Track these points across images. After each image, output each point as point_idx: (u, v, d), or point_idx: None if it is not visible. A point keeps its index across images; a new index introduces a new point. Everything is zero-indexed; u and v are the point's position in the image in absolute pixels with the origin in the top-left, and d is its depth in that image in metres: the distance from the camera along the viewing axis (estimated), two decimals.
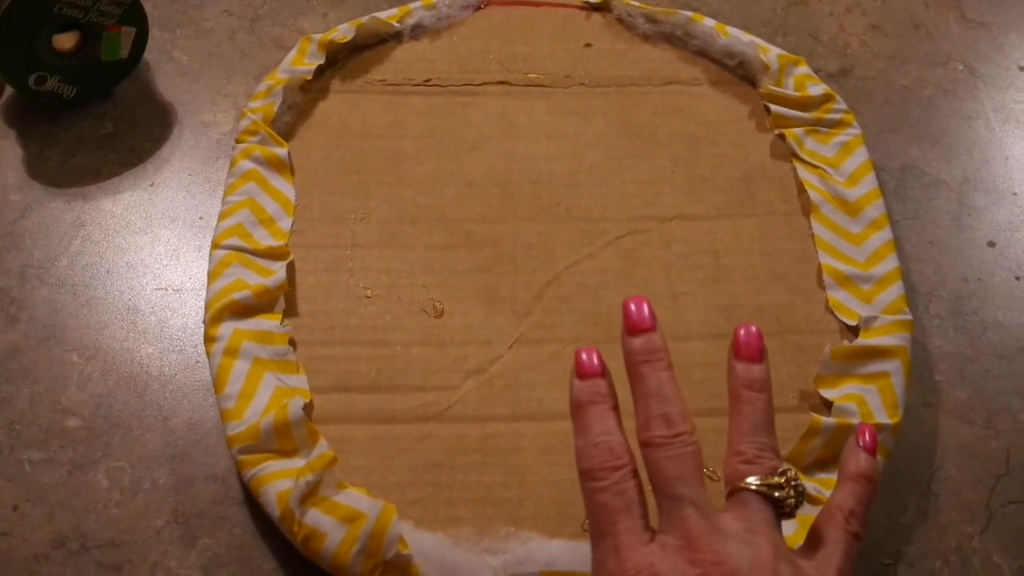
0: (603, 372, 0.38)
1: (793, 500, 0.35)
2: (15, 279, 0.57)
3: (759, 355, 0.38)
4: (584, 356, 0.38)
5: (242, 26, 0.70)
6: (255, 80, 0.67)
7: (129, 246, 0.59)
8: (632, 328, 0.37)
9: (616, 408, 0.37)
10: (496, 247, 0.57)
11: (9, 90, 0.65)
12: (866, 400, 0.50)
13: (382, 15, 0.66)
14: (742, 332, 0.38)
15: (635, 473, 0.36)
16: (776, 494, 0.35)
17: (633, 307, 0.38)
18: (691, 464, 0.35)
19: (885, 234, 0.57)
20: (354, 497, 0.46)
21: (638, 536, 0.34)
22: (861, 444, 0.39)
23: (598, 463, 0.36)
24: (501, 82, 0.65)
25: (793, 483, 0.35)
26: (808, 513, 0.46)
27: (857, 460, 0.38)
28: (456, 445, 0.50)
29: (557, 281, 0.56)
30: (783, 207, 0.60)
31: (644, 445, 0.36)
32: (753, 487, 0.35)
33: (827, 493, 0.47)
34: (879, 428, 0.49)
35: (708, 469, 0.49)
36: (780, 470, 0.36)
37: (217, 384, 0.50)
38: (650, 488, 0.36)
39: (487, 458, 0.50)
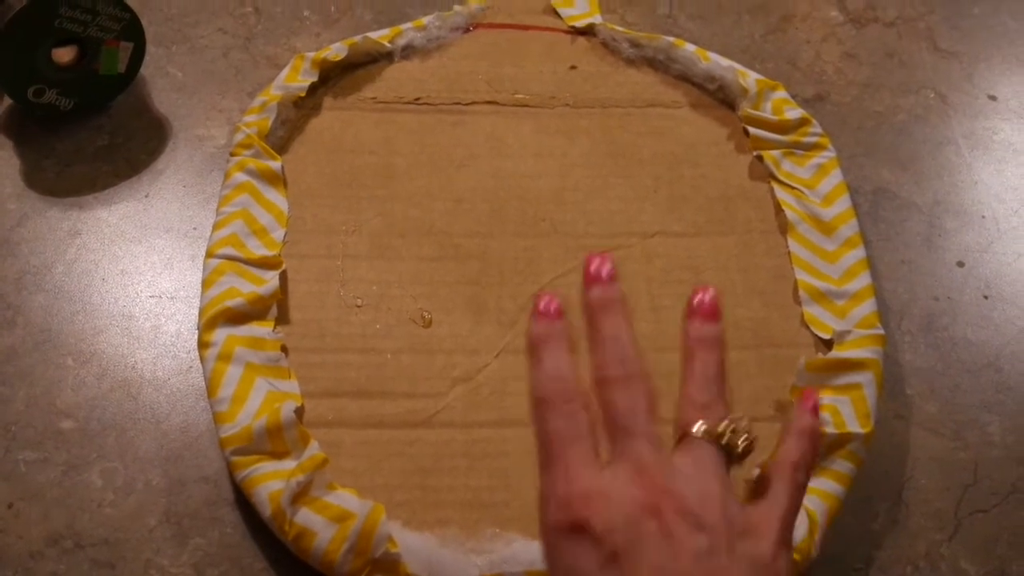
0: (560, 315, 0.37)
1: (741, 446, 0.35)
2: (12, 285, 0.58)
3: (714, 315, 0.38)
4: (542, 302, 0.38)
5: (236, 44, 0.72)
6: (249, 96, 0.68)
7: (124, 255, 0.60)
8: (591, 280, 0.38)
9: (571, 349, 0.37)
10: (483, 260, 0.59)
11: (7, 101, 0.67)
12: (839, 410, 0.52)
13: (374, 35, 0.68)
14: (696, 297, 0.38)
15: (587, 407, 0.35)
16: (725, 440, 0.35)
17: (593, 262, 0.38)
18: (644, 401, 0.35)
19: (858, 252, 0.59)
20: (344, 497, 0.47)
21: (589, 461, 0.34)
22: (806, 406, 0.39)
23: (551, 393, 0.36)
24: (489, 102, 0.67)
25: (743, 430, 0.36)
26: None
27: (803, 418, 0.39)
28: (443, 450, 0.51)
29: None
30: (761, 226, 0.62)
31: (598, 383, 0.36)
32: (701, 434, 0.35)
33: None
34: (852, 437, 0.50)
35: None
36: (729, 417, 0.36)
37: (210, 388, 0.51)
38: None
39: (473, 463, 0.51)
